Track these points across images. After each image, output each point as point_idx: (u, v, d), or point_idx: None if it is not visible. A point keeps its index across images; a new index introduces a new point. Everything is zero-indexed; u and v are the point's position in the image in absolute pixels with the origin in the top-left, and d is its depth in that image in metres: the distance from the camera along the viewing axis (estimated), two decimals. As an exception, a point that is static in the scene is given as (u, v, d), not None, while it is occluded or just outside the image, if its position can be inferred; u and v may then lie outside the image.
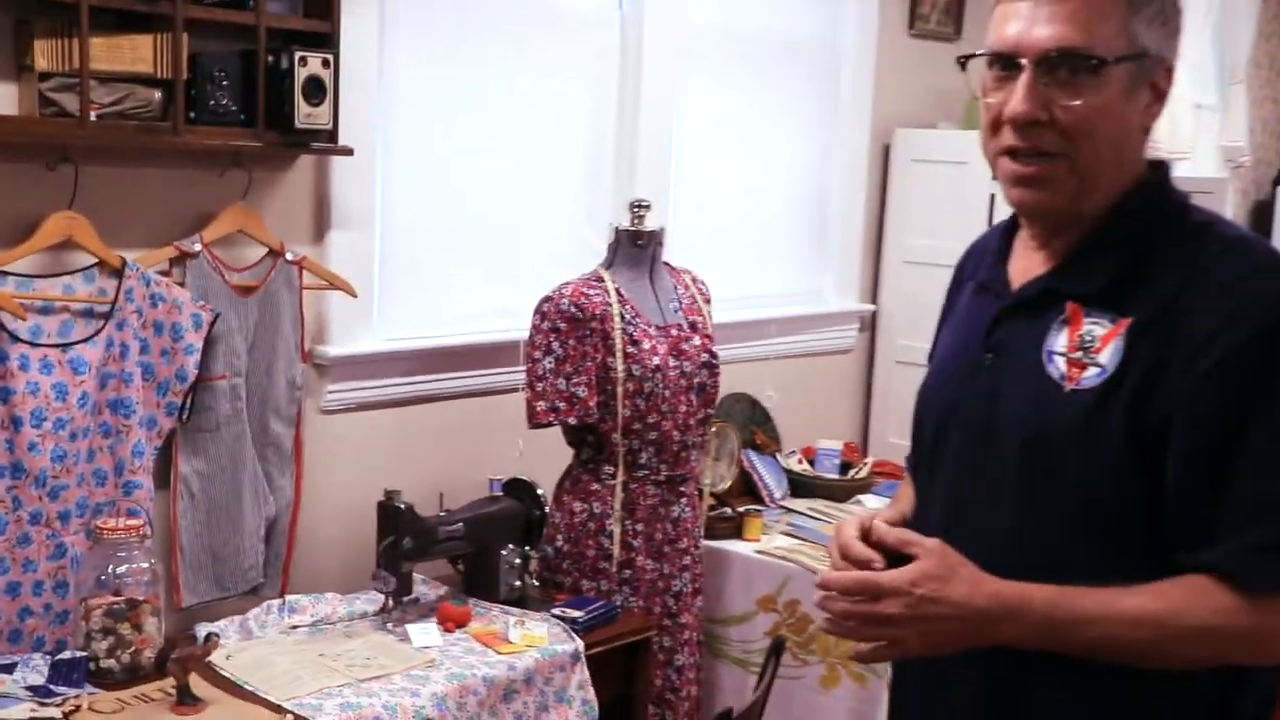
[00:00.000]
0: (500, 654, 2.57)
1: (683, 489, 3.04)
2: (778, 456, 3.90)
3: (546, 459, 3.09)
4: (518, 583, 2.87)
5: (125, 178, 2.57)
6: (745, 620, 3.36)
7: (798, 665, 3.28)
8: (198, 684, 2.29)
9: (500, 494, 2.97)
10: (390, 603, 2.69)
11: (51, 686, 2.28)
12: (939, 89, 4.50)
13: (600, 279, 2.97)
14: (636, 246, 3.02)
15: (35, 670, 2.33)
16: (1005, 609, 1.36)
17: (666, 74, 3.61)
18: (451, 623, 2.68)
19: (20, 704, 2.18)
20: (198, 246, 2.63)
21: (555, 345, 2.86)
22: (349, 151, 2.78)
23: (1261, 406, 1.31)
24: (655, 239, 3.04)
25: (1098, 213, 1.43)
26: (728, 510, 3.48)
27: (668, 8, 3.57)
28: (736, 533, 3.43)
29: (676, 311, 3.06)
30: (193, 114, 2.52)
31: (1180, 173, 5.81)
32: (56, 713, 2.17)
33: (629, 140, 3.56)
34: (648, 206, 3.03)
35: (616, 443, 2.93)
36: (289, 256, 2.77)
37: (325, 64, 2.63)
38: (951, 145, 4.17)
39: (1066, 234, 1.46)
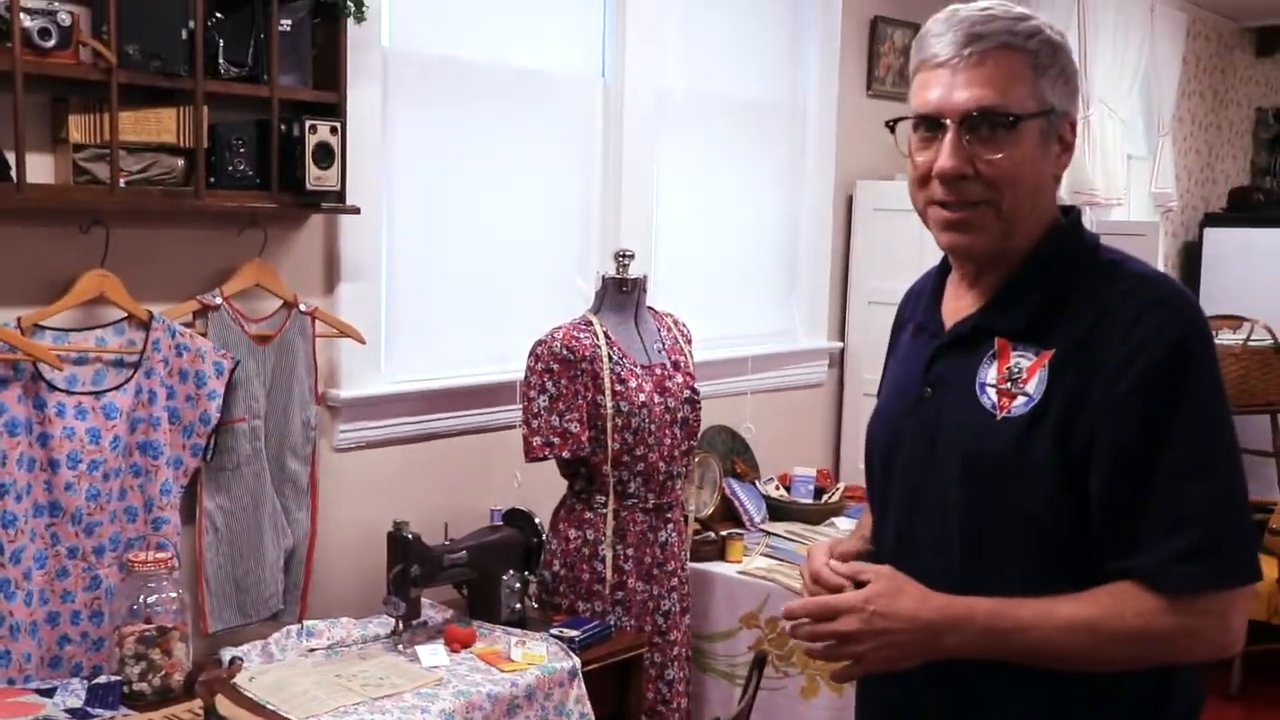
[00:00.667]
0: (503, 672, 2.57)
1: (669, 515, 3.04)
2: (757, 483, 3.90)
3: (543, 490, 3.09)
4: (518, 605, 2.86)
5: (152, 238, 2.58)
6: (730, 636, 3.36)
7: (779, 677, 3.27)
8: (223, 705, 2.28)
9: (501, 523, 2.97)
10: (400, 626, 2.69)
11: (89, 709, 2.27)
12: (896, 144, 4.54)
13: (589, 323, 2.98)
14: (622, 293, 3.04)
15: (74, 694, 2.32)
16: (950, 620, 1.37)
17: (646, 135, 3.64)
18: (458, 643, 2.67)
19: (59, 726, 2.18)
20: (218, 300, 2.64)
21: (549, 385, 2.87)
22: (356, 210, 2.80)
23: (1169, 428, 1.34)
24: (639, 285, 3.06)
25: (1020, 254, 1.46)
26: (711, 534, 3.48)
27: (646, 75, 3.61)
28: (720, 555, 3.43)
29: (660, 352, 3.08)
30: (213, 179, 2.53)
31: (1115, 217, 5.89)
32: (93, 734, 2.16)
33: (613, 195, 3.59)
34: (632, 256, 3.05)
35: (607, 474, 2.93)
36: (302, 307, 2.77)
37: (333, 131, 2.65)
38: (908, 195, 4.19)
39: (992, 275, 1.49)
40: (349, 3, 2.66)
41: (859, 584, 1.42)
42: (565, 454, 2.87)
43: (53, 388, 2.38)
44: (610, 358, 2.92)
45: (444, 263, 3.21)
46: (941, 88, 1.42)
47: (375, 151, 2.93)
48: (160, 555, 2.41)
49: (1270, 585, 4.28)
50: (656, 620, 3.01)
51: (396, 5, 3.00)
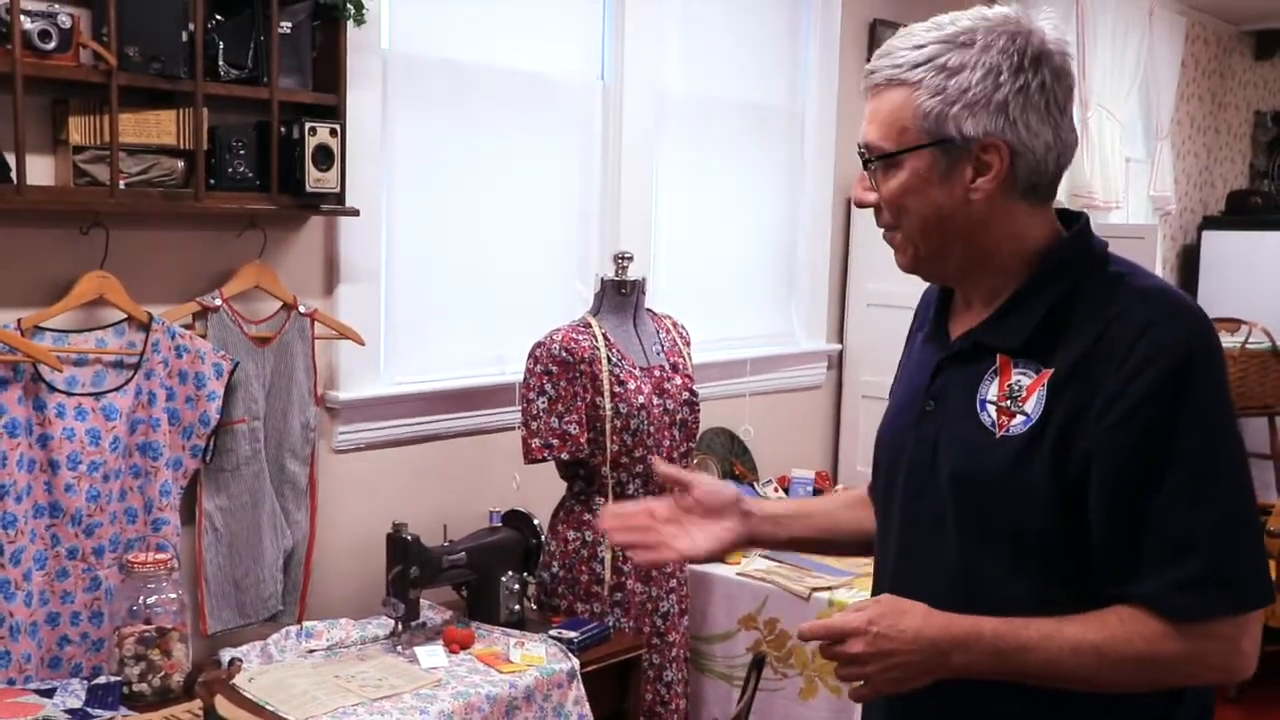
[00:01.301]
0: (502, 673, 2.57)
1: (668, 517, 3.04)
2: (755, 485, 3.90)
3: (541, 492, 3.09)
4: (517, 606, 2.87)
5: (152, 240, 2.58)
6: (728, 638, 3.36)
7: (778, 678, 3.27)
8: (223, 705, 2.28)
9: (500, 525, 2.97)
10: (400, 627, 2.69)
11: (89, 710, 2.27)
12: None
13: (588, 325, 2.98)
14: (621, 295, 3.04)
15: (74, 694, 2.33)
16: (955, 639, 1.36)
17: (646, 137, 3.64)
18: (456, 644, 2.67)
19: (59, 727, 2.18)
20: (218, 301, 2.64)
21: (548, 387, 2.87)
22: (355, 212, 2.81)
23: (1170, 451, 1.31)
24: (638, 287, 3.07)
25: (1020, 269, 1.44)
26: (709, 536, 3.47)
27: (646, 77, 3.62)
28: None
29: (659, 354, 3.08)
30: (213, 181, 2.54)
31: (1114, 220, 5.90)
32: (92, 734, 2.17)
33: (612, 197, 3.59)
34: (631, 258, 3.06)
35: (606, 475, 2.94)
36: (302, 309, 2.78)
37: (333, 133, 2.65)
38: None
39: (985, 291, 1.48)
40: (349, 5, 2.66)
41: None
42: (564, 455, 2.87)
43: (53, 389, 2.38)
44: (609, 360, 2.92)
45: (443, 265, 3.21)
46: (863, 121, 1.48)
47: (375, 154, 2.94)
48: (160, 556, 2.42)
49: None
50: (655, 622, 3.01)
51: (396, 8, 3.01)
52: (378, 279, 3.02)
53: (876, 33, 4.44)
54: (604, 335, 2.96)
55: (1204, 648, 1.33)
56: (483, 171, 3.28)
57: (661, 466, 1.72)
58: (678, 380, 3.05)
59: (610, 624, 2.90)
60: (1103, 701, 1.38)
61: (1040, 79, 1.39)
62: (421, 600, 2.76)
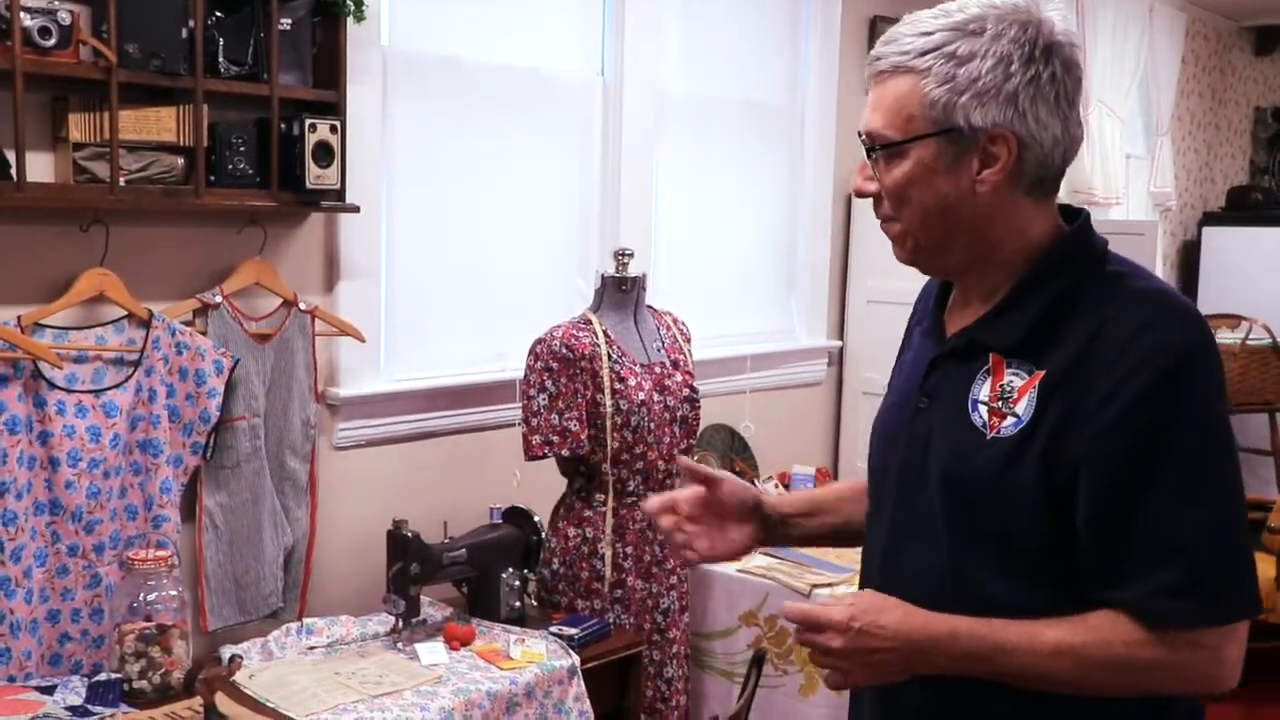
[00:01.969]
0: (502, 670, 2.57)
1: (668, 513, 3.04)
2: (756, 482, 3.90)
3: (542, 488, 3.09)
4: (517, 603, 2.87)
5: (152, 237, 2.58)
6: (729, 634, 3.36)
7: (779, 675, 3.27)
8: (223, 702, 2.29)
9: (500, 521, 2.97)
10: (400, 624, 2.69)
11: (89, 706, 2.27)
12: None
13: (588, 321, 2.98)
14: (621, 291, 3.04)
15: (74, 691, 2.33)
16: (934, 640, 1.35)
17: (646, 134, 3.64)
18: (457, 641, 2.67)
19: (60, 724, 2.18)
20: (218, 298, 2.64)
21: (548, 384, 2.87)
22: (356, 209, 2.80)
23: (1160, 456, 1.29)
24: (638, 284, 3.06)
25: (1017, 266, 1.43)
26: (710, 532, 3.48)
27: (646, 74, 3.61)
28: (718, 553, 3.43)
29: (659, 350, 3.08)
30: (213, 178, 2.54)
31: (1114, 216, 5.89)
32: (93, 731, 2.17)
33: (613, 194, 3.59)
34: (631, 254, 3.05)
35: (606, 472, 2.94)
36: (302, 306, 2.78)
37: (333, 130, 2.65)
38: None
39: (984, 287, 1.46)
40: (349, 2, 2.66)
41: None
42: (564, 452, 2.87)
43: (53, 386, 2.38)
44: (609, 356, 2.92)
45: (444, 261, 3.21)
46: (865, 110, 1.45)
47: (375, 150, 2.94)
48: (160, 553, 2.42)
49: (1269, 584, 4.28)
50: (655, 618, 3.01)
51: (396, 4, 3.01)
52: (378, 276, 3.02)
53: (876, 29, 4.44)
54: (604, 332, 2.96)
55: (1186, 656, 1.31)
56: (483, 168, 3.27)
57: (686, 462, 1.69)
58: (678, 377, 3.05)
59: (610, 621, 2.90)
60: (1093, 703, 1.37)
61: (1051, 70, 1.37)
62: (422, 597, 2.76)
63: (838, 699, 3.19)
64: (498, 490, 3.21)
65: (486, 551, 2.83)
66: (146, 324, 2.51)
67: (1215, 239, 6.63)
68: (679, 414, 3.02)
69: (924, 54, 1.37)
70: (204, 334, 2.61)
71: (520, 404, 2.93)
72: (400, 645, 2.65)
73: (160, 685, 2.37)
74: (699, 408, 3.09)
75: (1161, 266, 6.32)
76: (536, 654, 2.65)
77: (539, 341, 2.92)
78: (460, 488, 3.22)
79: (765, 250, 4.24)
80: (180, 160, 2.50)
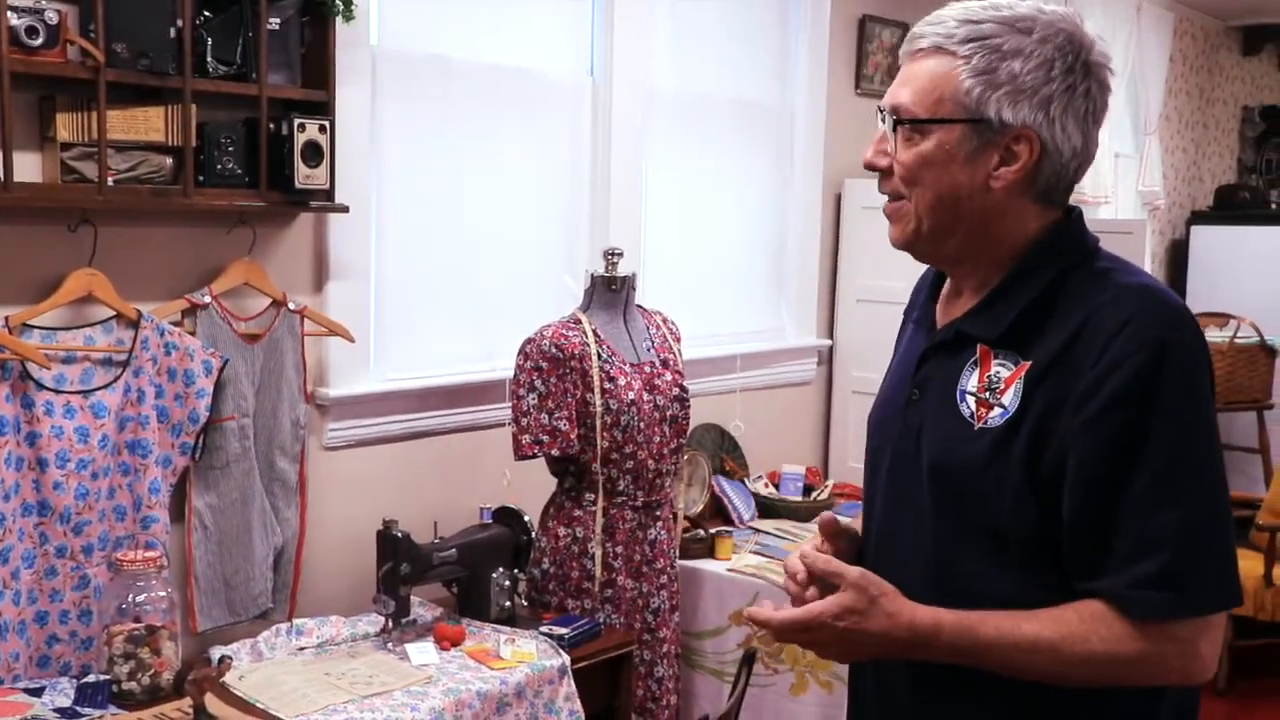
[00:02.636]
0: (493, 670, 2.57)
1: (658, 513, 3.05)
2: (746, 481, 3.91)
3: (532, 488, 3.09)
4: (508, 603, 2.87)
5: (140, 237, 2.57)
6: (719, 634, 3.36)
7: (769, 674, 3.28)
8: (213, 703, 2.28)
9: (490, 521, 2.97)
10: (390, 624, 2.69)
11: (78, 708, 2.27)
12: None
13: (578, 321, 2.98)
14: (611, 291, 3.04)
15: (62, 693, 2.32)
16: (918, 637, 1.37)
17: (635, 133, 3.64)
18: (447, 641, 2.67)
19: (48, 726, 2.18)
20: (207, 298, 2.63)
21: (538, 383, 2.87)
22: (345, 209, 2.80)
23: (1142, 448, 1.30)
24: (628, 283, 3.07)
25: (1006, 259, 1.44)
26: (700, 532, 3.49)
27: (635, 73, 3.61)
28: (709, 553, 3.44)
29: (649, 350, 3.08)
30: (201, 177, 2.53)
31: (1103, 215, 5.93)
32: (82, 733, 2.16)
33: (602, 193, 3.59)
34: (621, 254, 3.06)
35: (596, 472, 2.94)
36: (291, 306, 2.77)
37: (322, 130, 2.65)
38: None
39: (977, 278, 1.47)
40: (337, 1, 2.66)
41: (828, 587, 1.41)
42: (554, 452, 2.87)
43: (41, 386, 2.38)
44: (599, 355, 2.92)
45: (433, 261, 3.21)
46: (894, 83, 1.45)
47: (364, 150, 2.93)
48: (149, 554, 2.41)
49: (1256, 581, 4.30)
50: (646, 618, 3.02)
51: (385, 4, 3.00)
52: (367, 275, 3.01)
53: (866, 28, 4.45)
54: (594, 331, 2.96)
55: (1162, 649, 1.32)
56: (472, 168, 3.27)
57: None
58: (668, 376, 3.05)
59: (601, 620, 2.90)
60: (1087, 697, 1.38)
61: (1087, 85, 1.39)
62: (412, 597, 2.76)
63: (828, 698, 3.20)
64: (488, 490, 3.21)
65: (477, 551, 2.83)
66: (135, 324, 2.50)
67: (1203, 238, 6.66)
68: (669, 413, 3.02)
69: (968, 41, 1.38)
70: (193, 334, 2.61)
71: (510, 403, 2.92)
72: (390, 645, 2.65)
73: (149, 687, 2.36)
74: (689, 407, 3.10)
75: (1150, 265, 6.35)
76: (527, 654, 2.65)
77: (528, 341, 2.92)
78: (450, 488, 3.22)
79: (755, 249, 4.24)
80: (169, 160, 2.50)
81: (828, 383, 4.54)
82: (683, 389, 3.08)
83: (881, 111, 1.45)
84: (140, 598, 2.38)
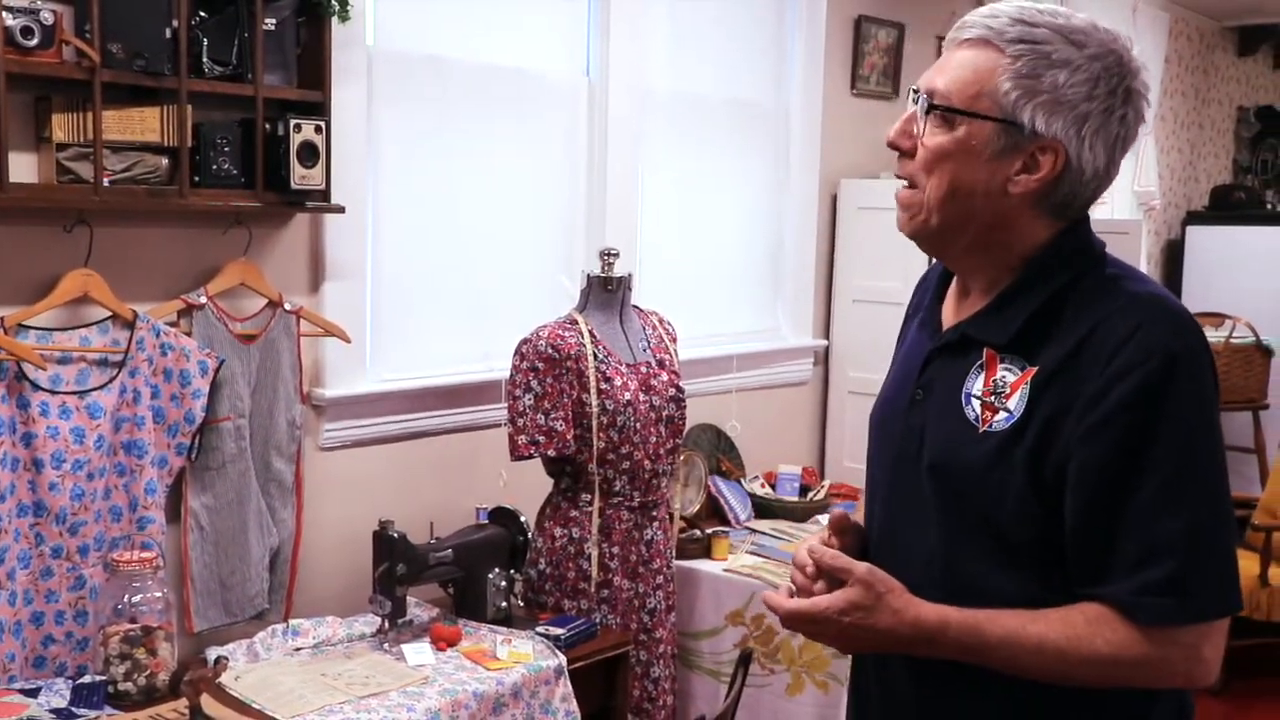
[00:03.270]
0: (489, 670, 2.57)
1: (655, 513, 3.05)
2: (742, 481, 3.91)
3: (528, 489, 3.09)
4: (504, 603, 2.87)
5: (136, 237, 2.57)
6: (715, 634, 3.36)
7: (765, 674, 3.28)
8: (209, 704, 2.28)
9: (486, 522, 2.97)
10: (386, 624, 2.69)
11: (73, 709, 2.27)
12: (880, 142, 4.54)
13: (574, 321, 2.98)
14: (607, 291, 3.04)
15: (58, 694, 2.32)
16: (923, 634, 1.37)
17: (631, 134, 3.64)
18: (443, 642, 2.67)
19: (44, 726, 2.18)
20: (203, 299, 2.63)
21: (534, 384, 2.87)
22: (341, 209, 2.80)
23: (1146, 455, 1.31)
24: (624, 284, 3.07)
25: (1014, 263, 1.44)
26: (697, 532, 3.49)
27: (631, 73, 3.61)
28: (705, 553, 3.44)
29: (645, 350, 3.08)
30: (197, 178, 2.53)
31: (1098, 215, 5.94)
32: (78, 734, 2.16)
33: (598, 193, 3.59)
34: (617, 254, 3.06)
35: (593, 472, 2.94)
36: (287, 306, 2.77)
37: (318, 130, 2.65)
38: (892, 194, 4.21)
39: (983, 281, 1.47)
40: (333, 2, 2.66)
41: (836, 582, 1.42)
42: (551, 452, 2.87)
43: (37, 387, 2.37)
44: (595, 356, 2.92)
45: (429, 261, 3.21)
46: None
47: (360, 150, 2.93)
48: (145, 554, 2.41)
49: (1252, 581, 4.31)
50: (642, 618, 3.02)
51: (381, 4, 3.00)
52: (363, 276, 3.01)
53: (862, 29, 4.45)
54: (590, 332, 2.96)
55: (1166, 653, 1.32)
56: (468, 168, 3.27)
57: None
58: (664, 377, 3.06)
59: (597, 621, 2.90)
60: (1084, 696, 1.39)
61: (1124, 112, 1.38)
62: (408, 598, 2.76)
63: (824, 698, 3.20)
64: (484, 490, 3.21)
65: (473, 552, 2.83)
66: (131, 325, 2.50)
67: (1199, 238, 6.66)
68: (665, 414, 3.02)
69: (1019, 42, 1.37)
70: (189, 335, 2.60)
71: (506, 404, 2.92)
72: (386, 646, 2.65)
73: (145, 687, 2.36)
74: (685, 407, 3.10)
75: (1145, 265, 6.35)
76: (523, 654, 2.65)
77: (525, 341, 2.92)
78: (446, 488, 3.22)
79: (751, 250, 4.25)
80: (164, 160, 2.50)
81: (824, 383, 4.54)
82: (679, 389, 3.08)
83: (915, 92, 1.43)
84: (136, 598, 2.38)
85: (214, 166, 2.55)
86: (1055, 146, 1.37)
